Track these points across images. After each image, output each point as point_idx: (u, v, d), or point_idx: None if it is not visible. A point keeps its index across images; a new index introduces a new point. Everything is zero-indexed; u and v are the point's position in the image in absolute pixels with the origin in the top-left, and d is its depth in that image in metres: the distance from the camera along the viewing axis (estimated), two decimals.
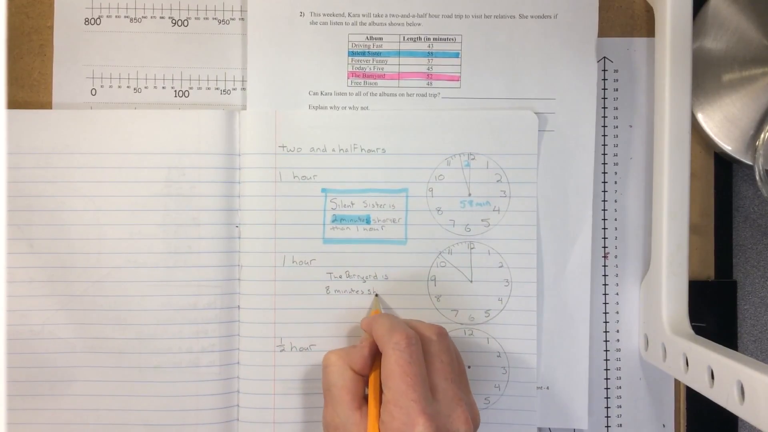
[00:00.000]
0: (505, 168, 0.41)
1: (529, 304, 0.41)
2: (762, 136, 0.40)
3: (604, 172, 0.42)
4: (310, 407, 0.40)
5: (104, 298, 0.40)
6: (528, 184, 0.41)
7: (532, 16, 0.41)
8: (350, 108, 0.41)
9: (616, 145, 0.42)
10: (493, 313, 0.41)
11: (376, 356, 0.35)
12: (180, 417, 0.40)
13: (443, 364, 0.34)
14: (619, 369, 0.42)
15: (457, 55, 0.41)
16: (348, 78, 0.41)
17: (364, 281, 0.41)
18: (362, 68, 0.41)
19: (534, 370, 0.41)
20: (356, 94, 0.41)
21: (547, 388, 0.41)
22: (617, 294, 0.42)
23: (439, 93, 0.41)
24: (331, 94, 0.41)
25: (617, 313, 0.42)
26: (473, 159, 0.41)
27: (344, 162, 0.41)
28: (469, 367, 0.41)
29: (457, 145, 0.41)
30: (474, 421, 0.33)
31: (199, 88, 0.42)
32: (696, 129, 0.41)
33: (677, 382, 0.42)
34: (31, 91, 0.41)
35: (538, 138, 0.41)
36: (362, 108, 0.41)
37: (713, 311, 0.42)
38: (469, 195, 0.41)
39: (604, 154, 0.42)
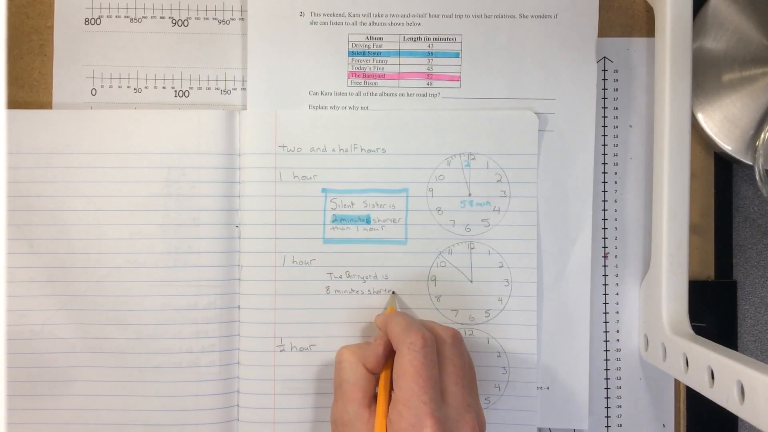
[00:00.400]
0: (505, 168, 0.41)
1: (529, 304, 0.41)
2: (762, 136, 0.40)
3: (604, 172, 0.42)
4: (310, 407, 0.40)
5: (104, 298, 0.40)
6: (528, 184, 0.41)
7: (532, 16, 0.41)
8: (350, 108, 0.41)
9: (616, 145, 0.42)
10: (493, 313, 0.41)
11: (389, 355, 0.35)
12: (180, 417, 0.40)
13: (455, 368, 0.34)
14: (619, 369, 0.42)
15: (457, 55, 0.41)
16: (348, 78, 0.41)
17: (364, 281, 0.41)
18: (362, 68, 0.41)
19: (534, 370, 0.41)
20: (356, 94, 0.41)
21: (547, 388, 0.41)
22: (617, 294, 0.42)
23: (439, 93, 0.41)
24: (331, 94, 0.41)
25: (617, 313, 0.42)
26: (473, 159, 0.41)
27: (344, 162, 0.41)
28: None
29: (457, 145, 0.41)
30: (480, 428, 0.33)
31: (199, 88, 0.42)
32: (696, 129, 0.41)
33: (677, 382, 0.42)
34: (31, 91, 0.41)
35: (538, 138, 0.41)
36: (362, 108, 0.41)
37: (713, 311, 0.42)
38: (469, 195, 0.41)
39: (604, 154, 0.42)
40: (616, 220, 0.42)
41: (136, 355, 0.40)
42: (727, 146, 0.41)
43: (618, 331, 0.42)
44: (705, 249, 0.43)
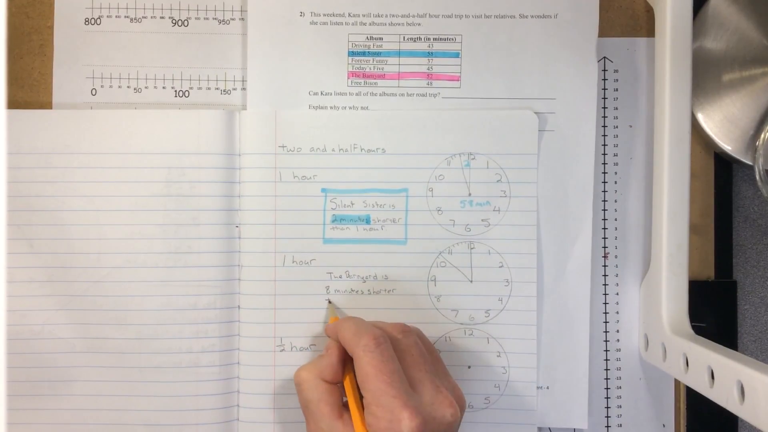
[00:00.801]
0: (505, 168, 0.41)
1: (529, 304, 0.41)
2: (762, 136, 0.40)
3: (604, 172, 0.42)
4: None
5: (104, 298, 0.40)
6: (528, 184, 0.41)
7: (532, 16, 0.41)
8: (350, 108, 0.41)
9: (616, 145, 0.42)
10: (493, 313, 0.41)
11: (346, 361, 0.35)
12: (180, 417, 0.40)
13: (414, 357, 0.34)
14: (619, 369, 0.42)
15: (457, 55, 0.41)
16: (348, 78, 0.41)
17: (364, 281, 0.41)
18: (362, 68, 0.41)
19: (534, 370, 0.41)
20: (356, 94, 0.41)
21: (547, 387, 0.41)
22: (617, 294, 0.42)
23: (439, 93, 0.41)
24: (331, 94, 0.41)
25: (617, 313, 0.42)
26: (473, 159, 0.41)
27: (344, 162, 0.41)
28: (469, 367, 0.41)
29: (457, 145, 0.41)
30: (459, 403, 0.33)
31: (199, 88, 0.42)
32: (696, 129, 0.41)
33: (677, 382, 0.42)
34: (31, 91, 0.41)
35: (538, 138, 0.41)
36: (362, 108, 0.41)
37: (713, 311, 0.42)
38: (469, 195, 0.41)
39: (604, 154, 0.42)
40: (616, 220, 0.42)
41: (136, 355, 0.40)
42: (727, 146, 0.41)
43: (618, 331, 0.42)
44: (705, 249, 0.43)
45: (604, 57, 0.42)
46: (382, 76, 0.42)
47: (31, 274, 0.40)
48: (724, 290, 0.43)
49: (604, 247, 0.42)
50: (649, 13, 0.42)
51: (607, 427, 0.42)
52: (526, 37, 0.41)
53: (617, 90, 0.42)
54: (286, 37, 0.41)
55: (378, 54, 0.41)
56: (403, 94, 0.41)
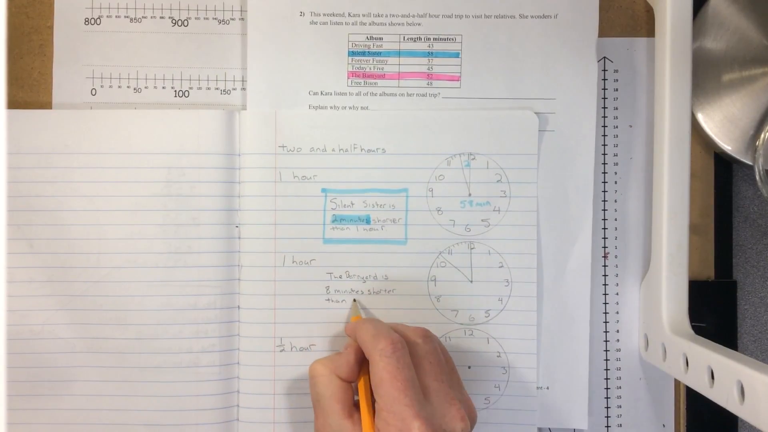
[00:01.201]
0: (505, 168, 0.41)
1: (529, 304, 0.41)
2: (762, 136, 0.40)
3: (604, 172, 0.42)
4: (310, 407, 0.40)
5: (104, 298, 0.40)
6: (528, 184, 0.41)
7: (532, 16, 0.41)
8: (350, 108, 0.41)
9: (616, 145, 0.42)
10: (493, 313, 0.41)
11: (362, 362, 0.35)
12: (180, 417, 0.40)
13: (432, 365, 0.33)
14: (619, 369, 0.42)
15: (457, 55, 0.41)
16: (348, 78, 0.41)
17: (364, 281, 0.41)
18: (362, 68, 0.41)
19: (534, 370, 0.41)
20: (356, 94, 0.41)
21: (547, 388, 0.41)
22: (617, 294, 0.42)
23: (439, 93, 0.41)
24: (331, 94, 0.41)
25: (617, 313, 0.42)
26: (473, 159, 0.41)
27: (344, 162, 0.41)
28: (469, 367, 0.41)
29: (457, 145, 0.41)
30: (470, 417, 0.33)
31: (199, 88, 0.42)
32: (696, 129, 0.41)
33: (677, 382, 0.42)
34: (31, 91, 0.41)
35: (538, 138, 0.41)
36: (362, 108, 0.41)
37: (713, 311, 0.42)
38: (469, 195, 0.41)
39: (604, 154, 0.42)
40: (616, 220, 0.42)
41: (136, 355, 0.40)
42: (727, 146, 0.41)
43: (618, 331, 0.42)
44: (705, 249, 0.43)
45: (604, 57, 0.42)
46: (382, 76, 0.42)
47: (31, 274, 0.40)
48: (724, 290, 0.43)
49: (604, 247, 0.42)
50: (649, 13, 0.42)
51: (607, 427, 0.42)
52: (526, 37, 0.41)
53: (617, 90, 0.42)
54: (286, 37, 0.41)
55: (378, 54, 0.41)
56: (403, 94, 0.41)
